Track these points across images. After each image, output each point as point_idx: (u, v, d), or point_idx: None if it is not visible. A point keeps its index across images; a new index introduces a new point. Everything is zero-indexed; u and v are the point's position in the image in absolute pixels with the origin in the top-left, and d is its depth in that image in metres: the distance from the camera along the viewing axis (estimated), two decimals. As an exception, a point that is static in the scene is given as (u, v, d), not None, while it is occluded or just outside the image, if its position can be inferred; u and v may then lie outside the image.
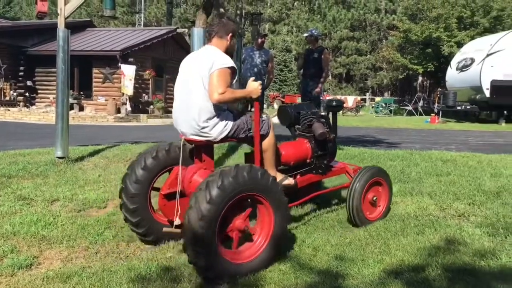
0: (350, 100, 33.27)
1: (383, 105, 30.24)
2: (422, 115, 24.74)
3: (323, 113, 4.41)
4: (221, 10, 6.10)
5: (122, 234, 3.69)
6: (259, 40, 8.34)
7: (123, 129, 14.01)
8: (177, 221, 3.28)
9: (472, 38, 27.81)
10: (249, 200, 3.11)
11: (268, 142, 3.59)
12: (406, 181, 5.08)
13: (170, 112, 20.82)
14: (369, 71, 46.43)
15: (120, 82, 18.43)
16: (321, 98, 9.02)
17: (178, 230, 3.22)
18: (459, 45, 28.34)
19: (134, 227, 3.53)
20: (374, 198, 4.03)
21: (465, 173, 5.36)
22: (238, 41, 6.52)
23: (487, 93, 19.31)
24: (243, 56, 8.21)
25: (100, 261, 3.27)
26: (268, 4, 45.59)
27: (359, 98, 37.10)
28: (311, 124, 4.13)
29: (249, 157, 3.82)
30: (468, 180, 5.05)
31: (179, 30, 22.24)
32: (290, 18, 46.99)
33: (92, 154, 6.44)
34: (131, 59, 18.59)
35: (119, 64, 18.29)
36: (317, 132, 4.01)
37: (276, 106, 35.61)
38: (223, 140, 3.46)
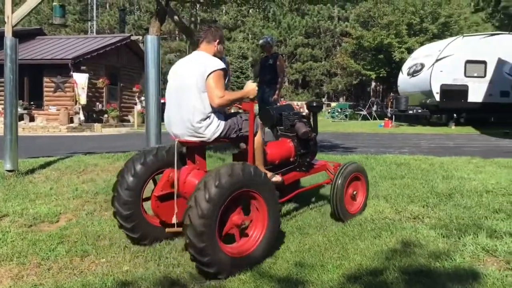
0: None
1: (339, 110, 30.75)
2: (376, 119, 25.30)
3: (304, 114, 4.63)
4: (175, 17, 6.03)
5: (76, 249, 3.56)
6: None
7: (76, 139, 13.63)
8: (174, 220, 3.48)
9: (422, 44, 28.72)
10: (242, 196, 3.25)
11: (257, 141, 3.74)
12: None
13: (125, 121, 20.39)
14: (324, 77, 47.14)
15: (73, 91, 17.98)
16: (277, 104, 9.05)
17: (180, 229, 3.30)
18: (410, 51, 29.22)
19: (129, 232, 3.59)
20: (354, 193, 4.32)
21: (418, 176, 5.49)
22: (194, 48, 6.47)
23: (437, 97, 19.97)
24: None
25: (53, 278, 3.14)
26: (224, 11, 45.62)
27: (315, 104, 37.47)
28: (293, 124, 4.36)
29: (237, 157, 3.96)
30: (421, 182, 5.18)
31: (133, 38, 21.92)
32: (245, 25, 47.21)
33: (43, 166, 6.22)
34: (83, 67, 18.16)
35: (71, 73, 17.84)
36: (300, 132, 4.25)
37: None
38: (215, 140, 3.58)
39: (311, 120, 4.54)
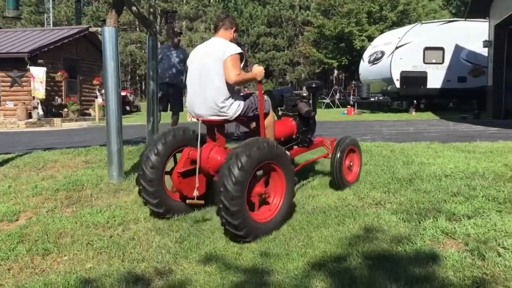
0: (270, 95, 33.62)
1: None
2: (339, 107, 25.59)
3: (304, 94, 5.07)
4: (134, 8, 5.90)
5: (37, 247, 3.47)
6: (175, 39, 8.20)
7: (36, 135, 13.26)
8: (195, 193, 3.83)
9: (382, 32, 29.15)
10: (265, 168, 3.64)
11: (269, 120, 4.20)
12: (327, 174, 5.21)
13: (86, 115, 19.96)
14: (288, 66, 47.30)
15: (30, 85, 17.44)
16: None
17: (202, 201, 3.88)
18: (370, 39, 29.61)
19: (155, 207, 3.94)
20: (351, 164, 4.87)
21: (380, 162, 5.59)
22: (153, 40, 6.37)
23: (398, 84, 20.34)
24: (159, 56, 8.04)
25: (14, 278, 3.05)
26: (184, 1, 45.07)
27: (278, 93, 37.59)
28: (295, 105, 4.84)
29: (248, 135, 4.25)
30: (383, 169, 5.27)
31: (91, 29, 21.42)
32: (207, 15, 46.75)
33: (0, 163, 6.03)
34: (40, 61, 17.64)
35: (28, 66, 17.31)
36: (303, 111, 4.76)
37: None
38: (236, 118, 4.03)
39: (310, 100, 4.99)
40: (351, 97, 23.54)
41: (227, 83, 3.87)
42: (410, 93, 20.74)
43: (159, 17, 34.60)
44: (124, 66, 51.23)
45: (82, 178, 5.20)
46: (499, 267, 2.71)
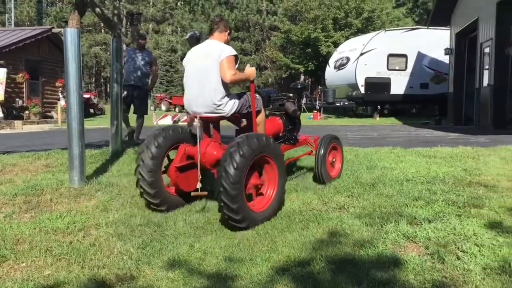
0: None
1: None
2: (306, 111, 25.82)
3: (290, 95, 5.36)
4: (97, 9, 5.80)
5: (-8, 255, 3.34)
6: (141, 42, 8.12)
7: (-5, 138, 12.83)
8: (199, 185, 4.09)
9: (347, 38, 29.61)
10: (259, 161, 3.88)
11: (261, 117, 4.53)
12: (291, 178, 5.23)
13: (48, 117, 19.47)
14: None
15: (-11, 87, 16.91)
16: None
17: (205, 193, 4.14)
18: (336, 45, 30.03)
19: (151, 198, 4.15)
20: (333, 160, 5.23)
21: (344, 166, 5.64)
22: (117, 41, 6.27)
23: (362, 90, 20.70)
24: (125, 58, 7.94)
25: (-34, 288, 2.93)
26: (151, 3, 44.66)
27: (245, 97, 37.63)
28: (282, 104, 5.19)
29: (239, 133, 4.39)
30: (347, 173, 5.33)
31: (54, 30, 20.95)
32: (174, 18, 46.46)
33: (-45, 167, 5.80)
34: (1, 62, 17.13)
35: (-13, 67, 16.78)
36: (290, 110, 5.13)
37: (164, 107, 35.03)
38: (231, 116, 4.28)
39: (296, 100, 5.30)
40: (317, 102, 23.81)
41: (223, 83, 4.14)
42: (375, 98, 21.15)
43: (124, 19, 34.14)
44: (89, 68, 50.33)
45: (42, 183, 5.05)
46: (458, 270, 2.77)
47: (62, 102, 19.59)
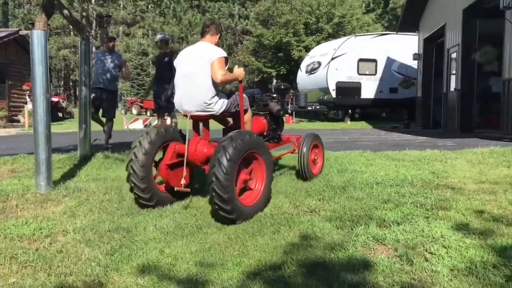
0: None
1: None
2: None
3: (274, 95, 5.63)
4: (65, 12, 5.69)
5: (-46, 263, 3.22)
6: (110, 44, 8.01)
7: (-42, 142, 12.44)
8: (183, 181, 4.26)
9: (318, 43, 29.92)
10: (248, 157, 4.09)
11: (248, 116, 4.79)
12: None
13: (15, 121, 19.02)
14: (226, 74, 47.31)
15: (-47, 90, 16.40)
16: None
17: (188, 189, 4.33)
18: (307, 49, 30.30)
19: (141, 192, 4.28)
20: (315, 157, 5.53)
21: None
22: (86, 44, 6.17)
23: (333, 94, 20.92)
24: (93, 61, 7.82)
25: None
26: (121, 6, 44.17)
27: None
28: (266, 104, 5.44)
29: (226, 131, 4.67)
30: (318, 177, 5.36)
31: (22, 32, 20.48)
32: (145, 21, 46.07)
33: None
34: (-35, 64, 16.65)
35: (-50, 69, 16.27)
36: (275, 110, 5.39)
37: (134, 111, 34.64)
38: (221, 114, 4.50)
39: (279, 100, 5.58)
40: (289, 105, 23.94)
41: (213, 83, 4.34)
42: (345, 102, 21.39)
43: (94, 21, 33.66)
44: (57, 71, 49.40)
45: (7, 188, 4.92)
46: (426, 272, 2.80)
47: (29, 106, 19.16)
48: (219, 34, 4.73)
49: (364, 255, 3.09)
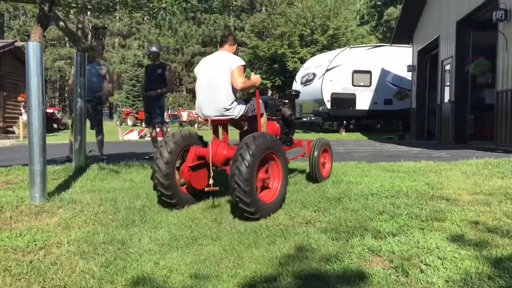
0: (205, 115, 33.56)
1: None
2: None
3: (286, 101, 6.03)
4: (61, 23, 5.71)
5: None
6: (90, 54, 8.01)
7: (-48, 154, 12.37)
8: (211, 181, 4.57)
9: (313, 54, 30.07)
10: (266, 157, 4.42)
11: (264, 120, 5.13)
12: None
13: (10, 132, 18.94)
14: (222, 86, 47.39)
15: None
16: (168, 113, 9.05)
17: (217, 188, 4.63)
18: (302, 61, 30.44)
19: (165, 189, 4.57)
20: (325, 161, 5.93)
21: (310, 181, 5.69)
22: (81, 55, 6.18)
23: (328, 105, 20.98)
24: (72, 71, 7.82)
25: None
26: (117, 18, 44.33)
27: (213, 112, 37.60)
28: (279, 110, 5.79)
29: (242, 135, 4.99)
30: (313, 188, 5.37)
31: (17, 44, 20.51)
32: (140, 33, 46.21)
33: None
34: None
35: None
36: (287, 114, 5.81)
37: (130, 122, 34.60)
38: (239, 118, 4.88)
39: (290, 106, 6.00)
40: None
41: (232, 89, 4.73)
42: (340, 114, 21.46)
43: (90, 33, 33.73)
44: (52, 83, 49.38)
45: (1, 200, 4.89)
46: (421, 283, 2.80)
47: (24, 117, 19.12)
48: (236, 44, 5.13)
49: (359, 267, 3.09)
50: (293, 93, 6.18)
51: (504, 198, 4.68)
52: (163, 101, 8.77)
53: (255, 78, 4.97)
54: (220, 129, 5.08)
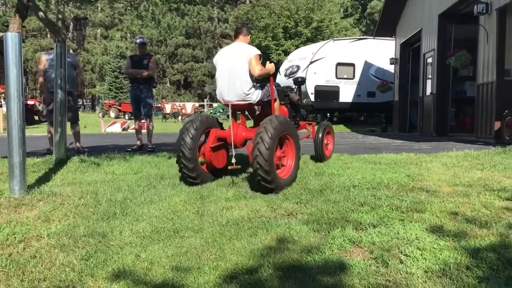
0: (189, 107, 33.52)
1: (221, 110, 31.04)
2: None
3: (293, 87, 6.62)
4: (41, 14, 5.61)
5: None
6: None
7: None
8: (233, 160, 5.15)
9: (297, 46, 30.08)
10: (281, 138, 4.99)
11: (277, 104, 5.65)
12: (241, 186, 5.22)
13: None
14: (206, 78, 47.25)
15: None
16: (153, 105, 9.01)
17: (239, 166, 5.22)
18: (286, 53, 30.44)
19: (190, 172, 5.12)
20: (328, 142, 6.70)
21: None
22: (61, 46, 6.09)
23: (312, 98, 21.05)
24: (48, 63, 7.72)
25: None
26: (99, 9, 43.77)
27: (197, 104, 37.54)
28: (287, 95, 6.30)
29: (257, 119, 5.81)
30: (296, 180, 5.38)
31: (-4, 34, 20.12)
32: (123, 24, 45.73)
33: None
34: None
35: None
36: (295, 99, 6.36)
37: (112, 114, 34.30)
38: (256, 103, 5.49)
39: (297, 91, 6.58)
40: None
41: (250, 76, 5.27)
42: (324, 106, 21.54)
43: (71, 24, 33.24)
44: (34, 74, 48.66)
45: (-21, 193, 4.82)
46: (401, 274, 2.84)
47: (4, 109, 18.81)
48: (249, 35, 5.71)
49: (340, 258, 3.11)
50: (299, 79, 6.73)
51: (483, 190, 4.75)
52: (152, 93, 8.72)
53: (270, 66, 5.45)
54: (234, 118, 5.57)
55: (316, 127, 6.46)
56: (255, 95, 5.34)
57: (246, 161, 5.69)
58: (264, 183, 4.65)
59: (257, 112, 5.93)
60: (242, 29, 5.61)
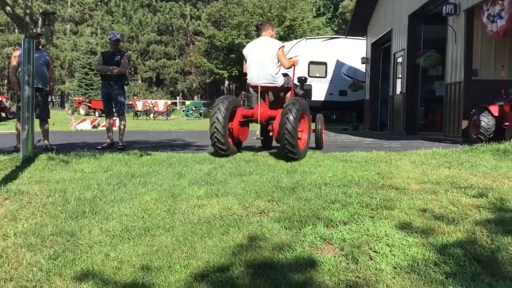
0: (161, 104, 33.22)
1: (193, 108, 30.90)
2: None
3: (298, 84, 8.08)
4: (8, 8, 5.47)
5: None
6: (35, 41, 7.76)
7: None
8: (258, 133, 7.40)
9: (270, 45, 30.06)
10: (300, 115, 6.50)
11: (292, 92, 7.34)
12: (213, 183, 5.20)
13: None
14: (179, 75, 46.94)
15: None
16: (125, 103, 8.90)
17: (262, 138, 7.51)
18: (259, 51, 30.38)
19: (222, 145, 6.41)
20: (324, 132, 8.23)
21: (265, 171, 5.71)
22: (29, 42, 5.95)
23: (285, 96, 21.07)
24: (20, 58, 7.56)
25: None
26: (69, 3, 42.93)
27: (169, 102, 37.23)
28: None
29: (274, 103, 7.50)
30: (268, 178, 5.38)
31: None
32: (93, 19, 44.99)
33: None
34: None
35: None
36: (299, 94, 7.48)
37: (82, 111, 33.73)
38: (281, 87, 7.10)
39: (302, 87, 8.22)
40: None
41: (276, 65, 6.87)
42: (296, 104, 21.58)
43: (40, 18, 32.52)
44: (1, 69, 47.46)
45: None
46: (370, 270, 2.87)
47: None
48: (274, 30, 7.26)
49: (311, 255, 3.13)
50: (303, 78, 8.31)
51: (451, 187, 4.84)
52: (124, 91, 8.63)
53: (295, 59, 7.33)
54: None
55: (316, 119, 8.01)
56: (280, 80, 6.94)
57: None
58: (291, 155, 6.11)
59: (281, 94, 7.37)
60: (264, 25, 7.22)
